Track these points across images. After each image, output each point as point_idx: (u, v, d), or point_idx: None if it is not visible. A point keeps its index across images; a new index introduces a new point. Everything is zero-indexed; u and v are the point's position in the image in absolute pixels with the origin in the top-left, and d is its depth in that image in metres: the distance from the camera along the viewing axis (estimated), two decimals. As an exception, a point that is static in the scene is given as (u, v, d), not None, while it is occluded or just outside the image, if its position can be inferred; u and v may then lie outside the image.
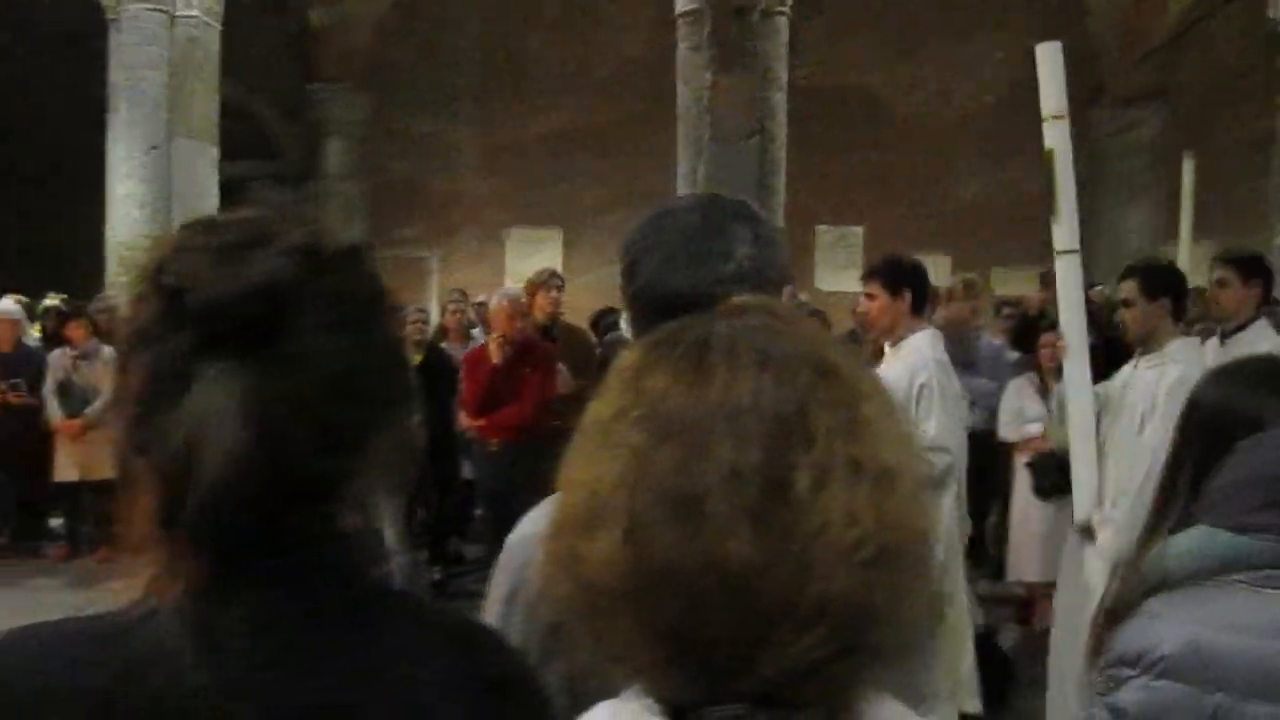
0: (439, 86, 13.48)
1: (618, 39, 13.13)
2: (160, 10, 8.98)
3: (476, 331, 7.33)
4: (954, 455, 3.93)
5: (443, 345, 7.23)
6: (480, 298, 8.29)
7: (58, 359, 7.48)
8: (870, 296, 4.14)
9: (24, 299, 8.53)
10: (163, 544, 0.77)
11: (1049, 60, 3.68)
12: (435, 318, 8.50)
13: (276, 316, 0.77)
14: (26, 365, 7.49)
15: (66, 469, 7.40)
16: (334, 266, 0.81)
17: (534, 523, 1.21)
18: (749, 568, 0.62)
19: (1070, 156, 3.64)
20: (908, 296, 4.01)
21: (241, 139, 11.31)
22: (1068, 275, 3.75)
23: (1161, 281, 3.86)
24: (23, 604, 6.02)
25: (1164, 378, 3.68)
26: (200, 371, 0.75)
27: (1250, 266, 4.40)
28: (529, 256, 12.28)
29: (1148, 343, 3.85)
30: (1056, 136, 3.62)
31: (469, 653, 0.86)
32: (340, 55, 13.46)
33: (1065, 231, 3.70)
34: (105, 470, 7.42)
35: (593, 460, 0.68)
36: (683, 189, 6.54)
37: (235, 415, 0.74)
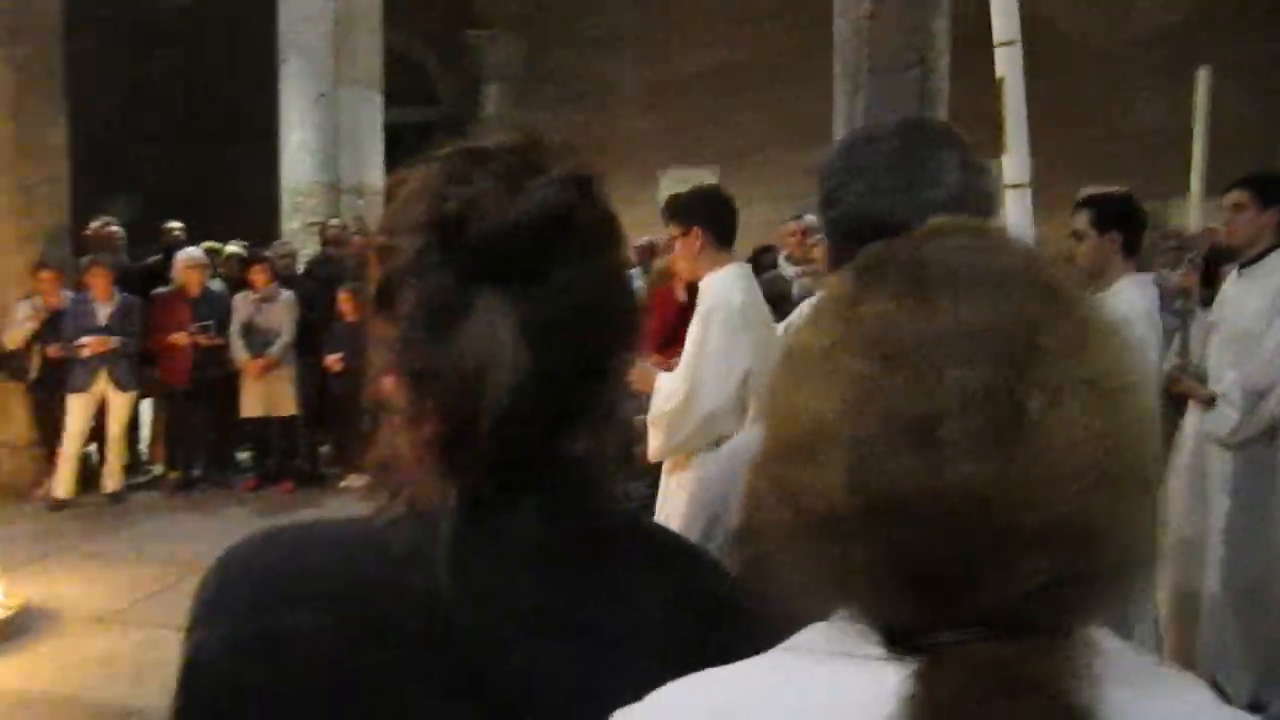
0: (595, 27, 13.50)
1: (773, -30, 12.85)
2: (326, -38, 9.24)
3: (635, 272, 7.38)
4: None
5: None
6: (642, 239, 8.33)
7: (241, 302, 7.90)
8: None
9: (217, 246, 9.00)
10: (436, 463, 0.80)
11: None
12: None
13: (553, 243, 0.79)
14: (214, 308, 7.94)
15: (252, 405, 7.85)
16: (591, 194, 0.84)
17: (728, 457, 1.23)
18: (981, 491, 0.61)
19: (1021, 85, 3.48)
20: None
21: (403, 85, 11.60)
22: (1017, 210, 3.63)
23: (1113, 214, 3.70)
24: (216, 531, 6.45)
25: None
26: (478, 298, 0.78)
27: (1270, 190, 4.06)
28: (684, 195, 12.26)
29: (1098, 278, 3.69)
30: (1007, 63, 3.46)
31: (692, 575, 0.88)
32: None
33: (1015, 164, 3.56)
34: (287, 406, 7.87)
35: (811, 389, 0.67)
36: (840, 123, 6.39)
37: (515, 342, 0.76)
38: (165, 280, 8.18)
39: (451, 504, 0.79)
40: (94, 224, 8.83)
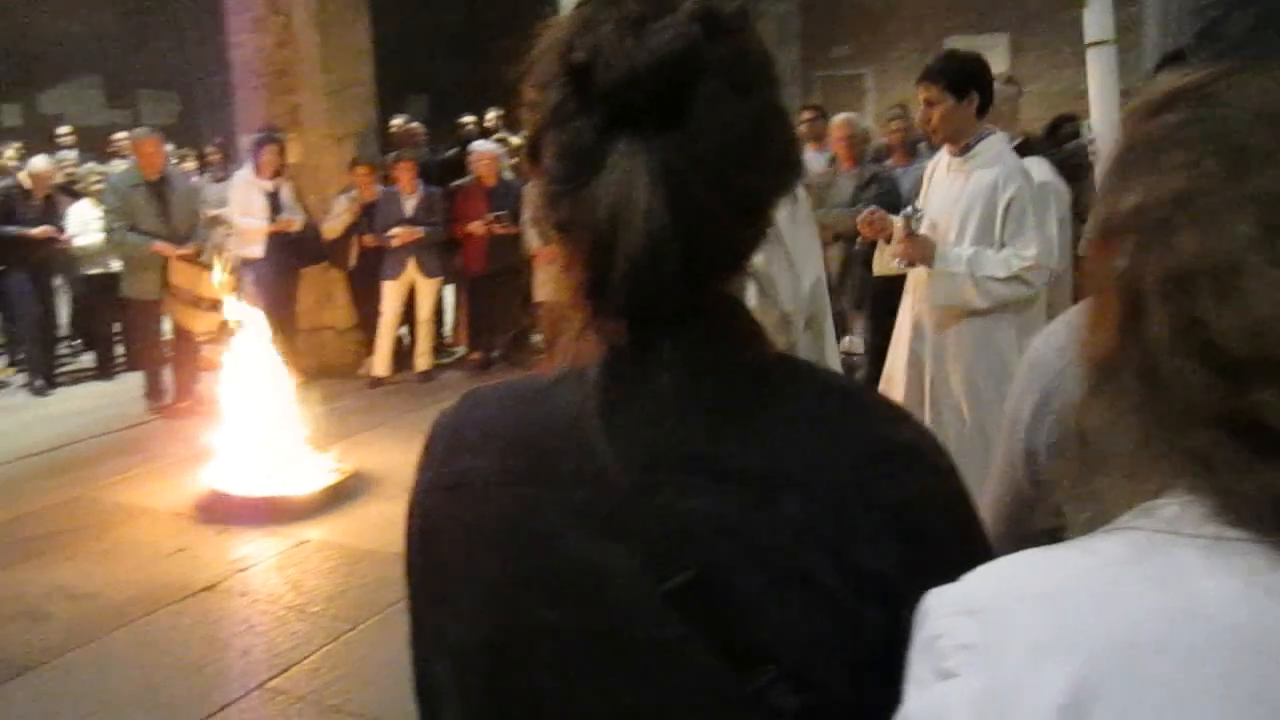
0: (873, -110, 12.84)
1: None
2: None
3: (922, 146, 7.08)
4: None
5: (887, 162, 7.08)
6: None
7: (533, 191, 8.20)
8: (929, 102, 3.70)
9: (507, 136, 9.38)
10: (585, 314, 0.81)
11: None
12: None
13: (685, 85, 0.76)
14: (507, 198, 8.31)
15: (545, 291, 8.22)
16: (732, 29, 0.79)
17: (1059, 334, 1.19)
18: None
19: None
20: (975, 99, 3.63)
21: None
22: (1100, 71, 3.16)
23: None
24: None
25: None
26: (614, 146, 0.76)
27: None
28: (971, 66, 11.60)
29: None
30: None
31: (858, 419, 0.85)
32: None
33: (1097, 18, 3.10)
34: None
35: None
36: (1153, -26, 5.80)
37: (652, 188, 0.75)
38: (462, 172, 8.62)
39: (599, 353, 0.81)
40: (397, 121, 9.38)
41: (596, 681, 0.81)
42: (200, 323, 7.33)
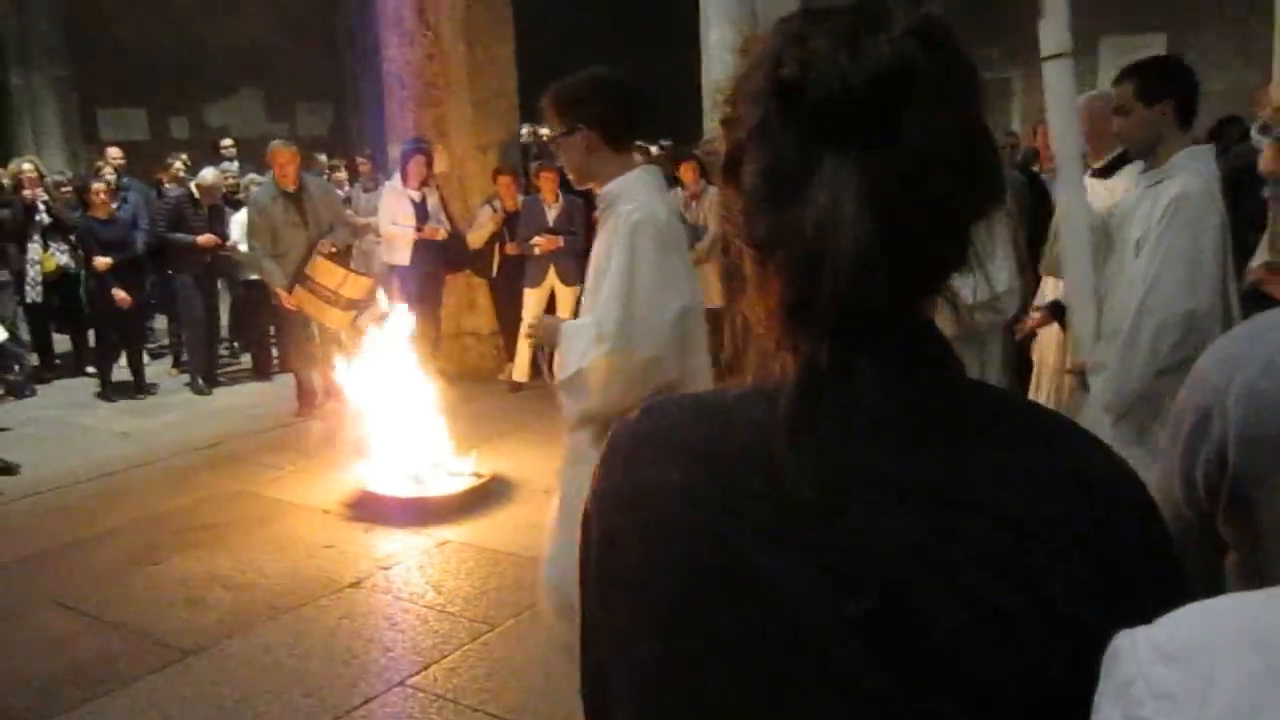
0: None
1: None
2: None
3: (1072, 152, 6.85)
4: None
5: (1035, 169, 6.88)
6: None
7: (671, 198, 8.26)
8: None
9: (644, 144, 9.47)
10: (780, 332, 0.80)
11: None
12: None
13: (897, 101, 0.75)
14: (645, 206, 8.36)
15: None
16: (945, 45, 0.78)
17: (1225, 350, 1.15)
18: None
19: None
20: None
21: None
22: (1057, 83, 3.26)
23: (1163, 82, 3.25)
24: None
25: (1161, 196, 3.07)
26: (821, 164, 0.75)
27: None
28: (1126, 67, 11.16)
29: (1150, 156, 3.24)
30: None
31: (1058, 447, 0.81)
32: None
33: (1054, 30, 3.21)
34: (715, 298, 8.17)
35: None
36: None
37: (860, 207, 0.73)
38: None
39: (793, 373, 0.79)
40: (544, 130, 9.54)
41: (772, 698, 0.80)
42: (332, 318, 7.58)
